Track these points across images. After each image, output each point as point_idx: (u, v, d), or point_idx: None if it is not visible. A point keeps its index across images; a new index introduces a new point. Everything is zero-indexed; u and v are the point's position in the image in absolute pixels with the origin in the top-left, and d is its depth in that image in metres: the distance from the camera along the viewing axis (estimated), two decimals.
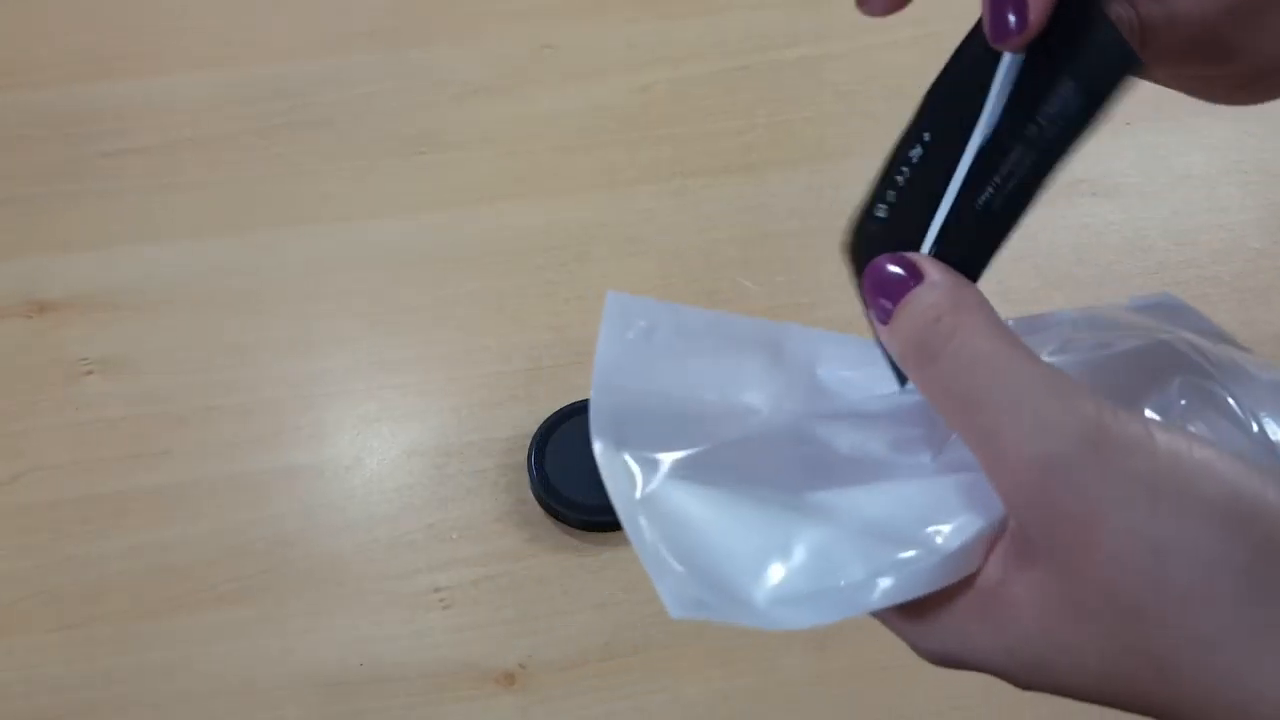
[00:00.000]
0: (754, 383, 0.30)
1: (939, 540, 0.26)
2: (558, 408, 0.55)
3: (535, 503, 0.54)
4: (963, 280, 0.27)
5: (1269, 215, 0.65)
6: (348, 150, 0.68)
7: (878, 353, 0.29)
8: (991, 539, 0.26)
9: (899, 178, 0.32)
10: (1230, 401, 0.29)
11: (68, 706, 0.49)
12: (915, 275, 0.27)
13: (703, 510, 0.28)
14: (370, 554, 0.53)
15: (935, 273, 0.27)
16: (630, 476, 0.28)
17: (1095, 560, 0.23)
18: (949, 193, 0.29)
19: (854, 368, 0.31)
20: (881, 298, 0.27)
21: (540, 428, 0.55)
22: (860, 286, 0.28)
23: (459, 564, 0.52)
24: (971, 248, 0.28)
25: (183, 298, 0.61)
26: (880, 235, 0.31)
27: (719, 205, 0.65)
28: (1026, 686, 0.26)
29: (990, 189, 0.28)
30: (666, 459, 0.28)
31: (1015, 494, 0.24)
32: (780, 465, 0.29)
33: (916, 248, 0.29)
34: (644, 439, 0.29)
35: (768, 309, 0.60)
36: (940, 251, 0.29)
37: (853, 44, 0.73)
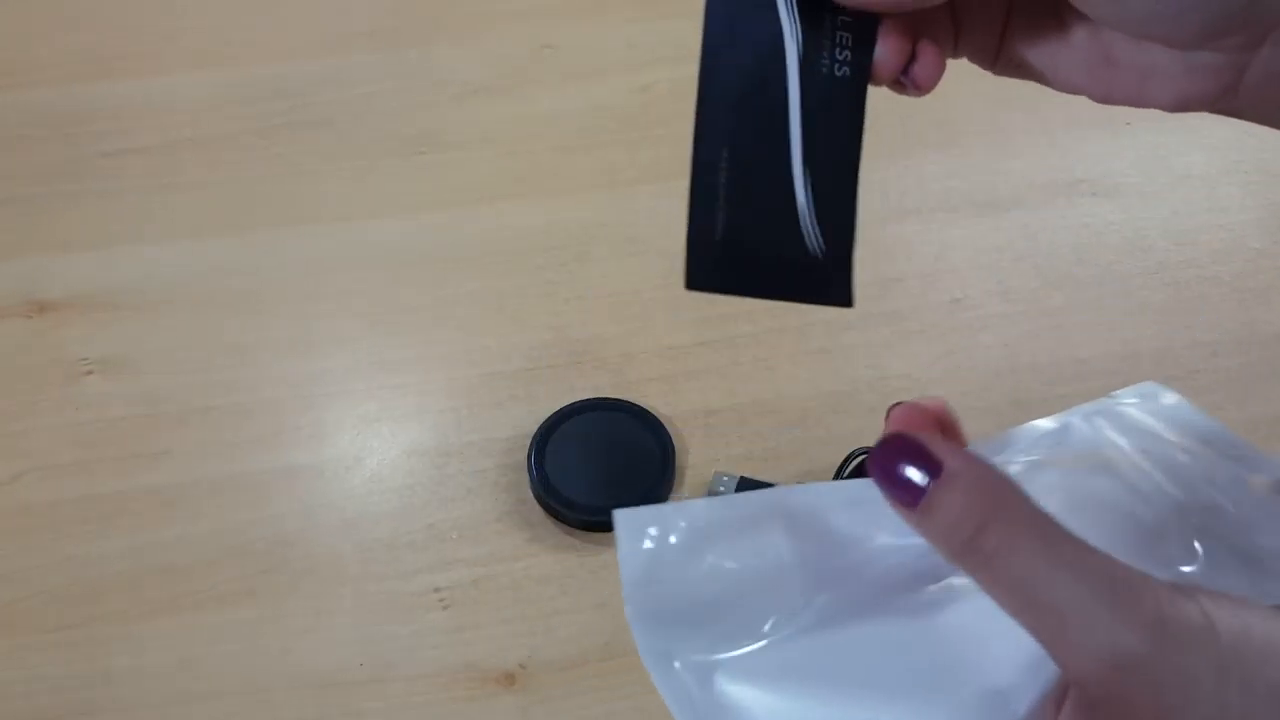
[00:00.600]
0: (776, 557, 0.30)
1: (1007, 708, 0.26)
2: (558, 408, 0.55)
3: (535, 503, 0.54)
4: (989, 469, 0.25)
5: (1269, 215, 0.65)
6: (348, 150, 0.68)
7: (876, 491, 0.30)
8: (1057, 698, 0.26)
9: (720, 188, 0.31)
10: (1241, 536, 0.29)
11: (68, 706, 0.49)
12: (934, 468, 0.25)
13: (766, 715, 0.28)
14: (370, 554, 0.53)
15: (957, 464, 0.25)
16: (687, 690, 0.28)
17: None
18: (795, 171, 0.29)
19: (861, 505, 0.30)
20: (902, 499, 0.25)
21: (540, 428, 0.55)
22: (873, 473, 0.26)
23: (459, 564, 0.52)
24: (841, 206, 0.29)
25: (183, 297, 0.61)
26: (741, 243, 0.30)
27: None
28: None
29: (823, 145, 0.29)
30: (717, 662, 0.28)
31: (1084, 680, 0.25)
32: (828, 651, 0.29)
33: (787, 235, 0.29)
34: (689, 643, 0.29)
35: (767, 309, 0.60)
36: (821, 222, 0.29)
37: None
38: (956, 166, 0.66)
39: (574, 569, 0.52)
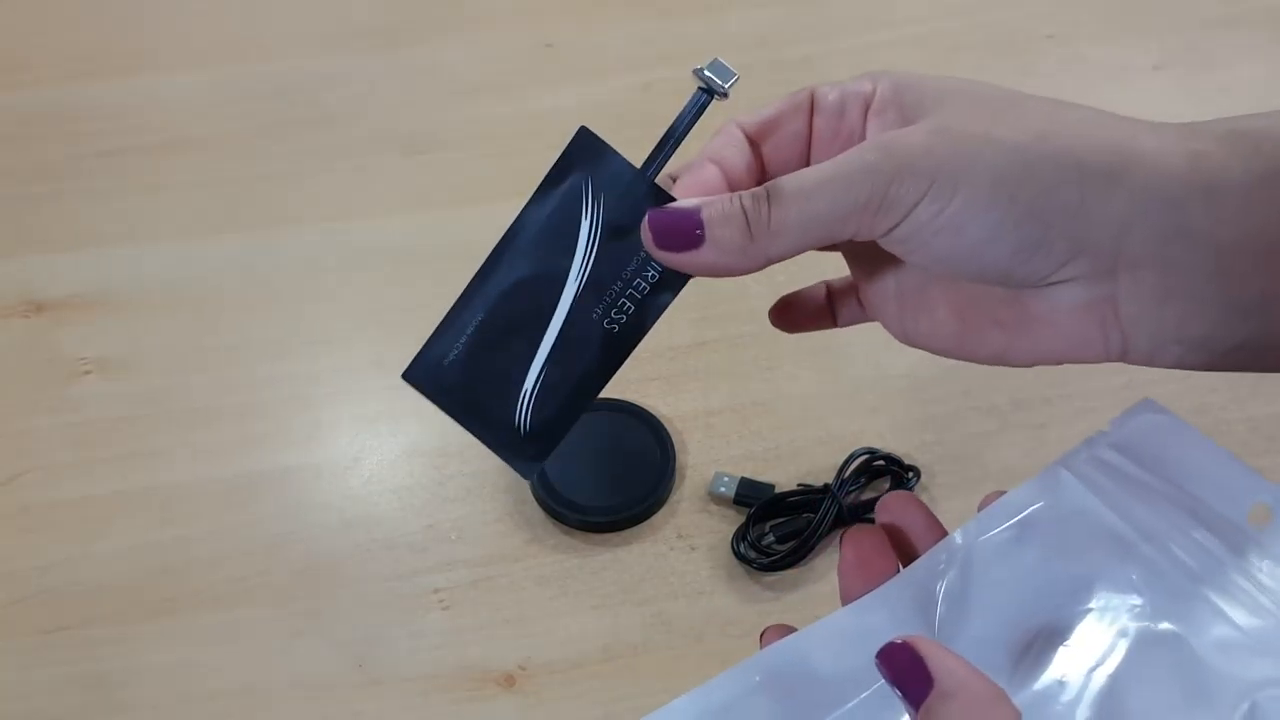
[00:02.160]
0: None
1: None
2: None
3: (535, 504, 0.54)
4: (983, 689, 0.26)
5: None
6: (347, 150, 0.68)
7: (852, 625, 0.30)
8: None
9: (468, 331, 0.36)
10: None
11: (68, 707, 0.49)
12: (925, 678, 0.26)
13: None
14: (370, 555, 0.53)
15: (953, 684, 0.26)
16: None
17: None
18: (535, 361, 0.34)
19: (844, 638, 0.30)
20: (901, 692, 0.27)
21: None
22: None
23: (459, 565, 0.52)
24: (559, 417, 0.34)
25: (181, 298, 0.61)
26: (462, 377, 0.35)
27: None
28: None
29: (567, 364, 0.34)
30: None
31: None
32: None
33: (503, 399, 0.34)
34: None
35: (768, 309, 0.60)
36: (534, 412, 0.34)
37: (855, 42, 0.73)
38: None
39: (574, 570, 0.52)
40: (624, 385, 0.57)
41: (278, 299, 0.61)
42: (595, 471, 0.54)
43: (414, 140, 0.68)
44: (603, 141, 0.36)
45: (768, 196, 0.31)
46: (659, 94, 0.70)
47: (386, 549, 0.53)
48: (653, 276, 0.34)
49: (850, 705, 0.30)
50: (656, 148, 0.36)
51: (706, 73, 0.35)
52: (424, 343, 0.36)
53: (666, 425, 0.55)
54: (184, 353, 0.59)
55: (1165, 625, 0.30)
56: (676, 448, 0.54)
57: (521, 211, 0.36)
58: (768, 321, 0.60)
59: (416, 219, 0.64)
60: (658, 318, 0.34)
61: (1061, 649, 0.30)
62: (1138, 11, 0.74)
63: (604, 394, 0.56)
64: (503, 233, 0.36)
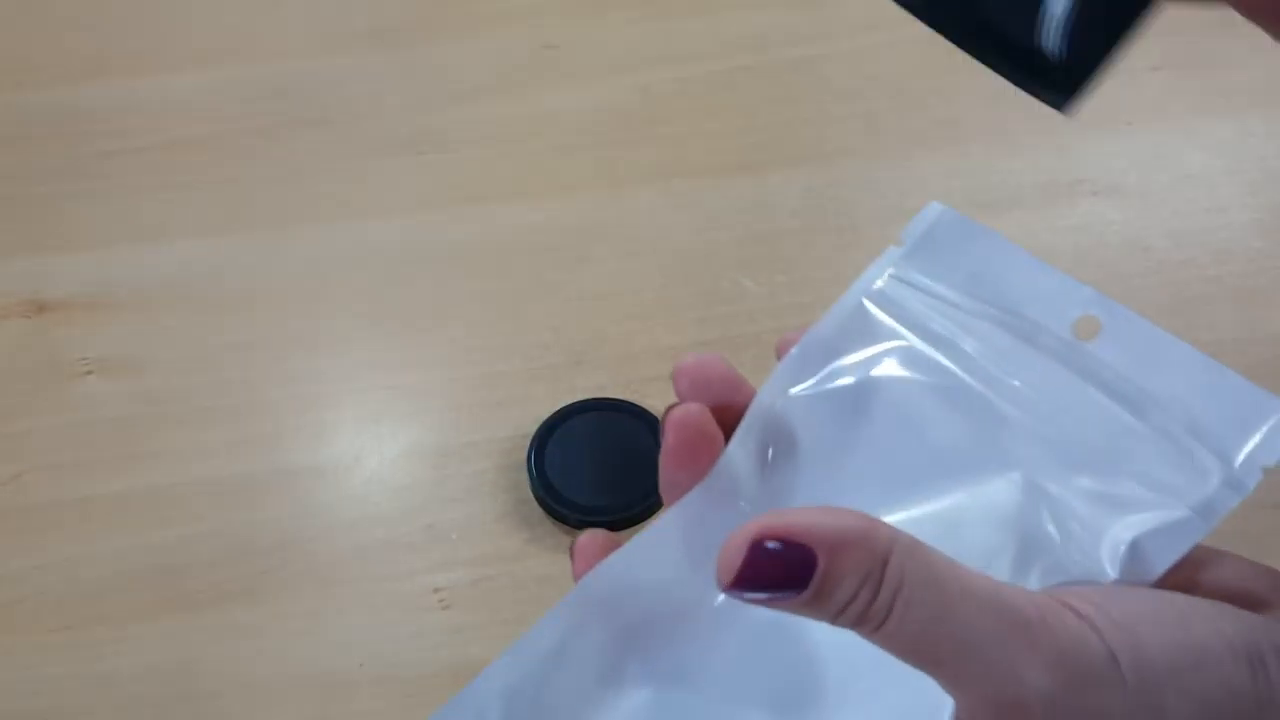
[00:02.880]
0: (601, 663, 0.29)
1: None
2: (558, 408, 0.55)
3: (535, 503, 0.54)
4: (859, 525, 0.24)
5: (1269, 215, 0.65)
6: (348, 150, 0.68)
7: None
8: None
9: None
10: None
11: (68, 706, 0.49)
12: (809, 554, 0.23)
13: None
14: (370, 554, 0.53)
15: (831, 537, 0.23)
16: None
17: None
18: None
19: (670, 562, 0.29)
20: (784, 598, 0.24)
21: (540, 428, 0.55)
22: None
23: (459, 564, 0.52)
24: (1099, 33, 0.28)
25: (183, 297, 0.61)
26: None
27: (719, 205, 0.65)
28: None
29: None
30: None
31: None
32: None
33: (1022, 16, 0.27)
34: None
35: (768, 309, 0.60)
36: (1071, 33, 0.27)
37: (853, 44, 0.73)
38: (956, 166, 0.66)
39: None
40: (624, 385, 0.58)
41: (279, 299, 0.61)
42: (595, 471, 0.54)
43: (415, 141, 0.68)
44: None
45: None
46: (659, 95, 0.70)
47: (387, 549, 0.53)
48: None
49: (692, 612, 0.28)
50: None
51: None
52: None
53: None
54: (185, 353, 0.59)
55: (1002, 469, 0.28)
56: None
57: None
58: (768, 321, 0.61)
59: (418, 219, 0.65)
60: None
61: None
62: None
63: (603, 394, 0.57)
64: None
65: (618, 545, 0.30)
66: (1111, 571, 0.26)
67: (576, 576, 0.30)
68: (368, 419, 0.57)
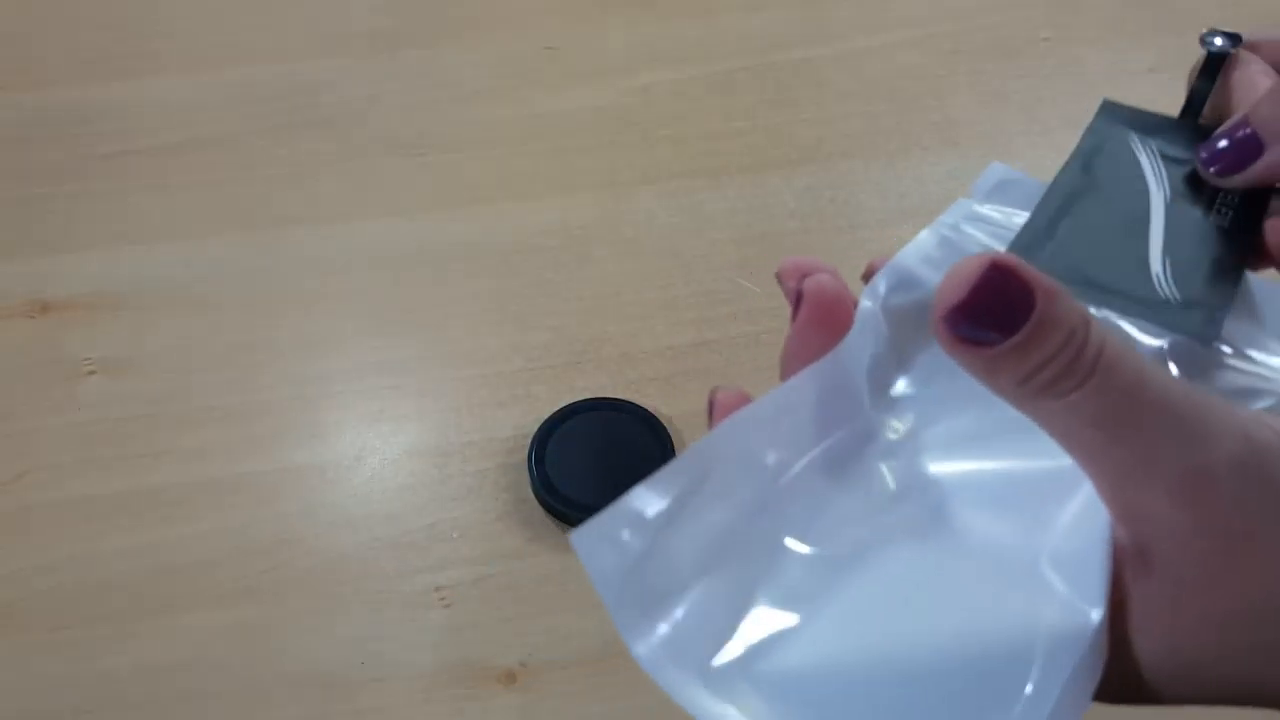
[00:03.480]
0: (738, 505, 0.28)
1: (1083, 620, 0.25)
2: (558, 408, 0.56)
3: (535, 502, 0.54)
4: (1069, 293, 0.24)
5: None
6: (348, 150, 0.68)
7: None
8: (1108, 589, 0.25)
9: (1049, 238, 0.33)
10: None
11: (67, 707, 0.49)
12: (1025, 290, 0.23)
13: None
14: (371, 553, 0.53)
15: (1050, 282, 0.23)
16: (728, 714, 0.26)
17: (1244, 572, 0.24)
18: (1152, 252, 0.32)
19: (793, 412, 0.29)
20: (990, 326, 0.23)
21: (540, 428, 0.55)
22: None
23: (459, 563, 0.52)
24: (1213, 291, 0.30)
25: (184, 298, 0.61)
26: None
27: (719, 205, 0.65)
28: (1142, 703, 0.25)
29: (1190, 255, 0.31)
30: (747, 661, 0.26)
31: (1155, 511, 0.24)
32: (854, 605, 0.27)
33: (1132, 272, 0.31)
34: (705, 647, 0.27)
35: (767, 309, 0.60)
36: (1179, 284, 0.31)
37: (853, 45, 0.73)
38: (955, 167, 0.66)
39: (574, 569, 0.52)
40: (624, 385, 0.58)
41: (281, 300, 0.61)
42: (595, 471, 0.54)
43: (416, 142, 0.68)
44: (1130, 107, 0.36)
45: None
46: (658, 96, 0.70)
47: (388, 548, 0.53)
48: (1233, 200, 0.33)
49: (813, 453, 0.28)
50: (1182, 115, 0.36)
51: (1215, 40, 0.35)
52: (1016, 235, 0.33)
53: (666, 425, 0.55)
54: (187, 353, 0.59)
55: None
56: (676, 448, 0.55)
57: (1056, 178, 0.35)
58: (768, 321, 0.61)
59: (418, 220, 0.65)
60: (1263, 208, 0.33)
61: None
62: (1134, 14, 0.74)
63: (603, 394, 0.57)
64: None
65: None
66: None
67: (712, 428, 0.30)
68: (368, 419, 0.57)
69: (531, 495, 0.54)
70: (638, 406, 0.56)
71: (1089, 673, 0.24)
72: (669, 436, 0.55)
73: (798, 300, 0.30)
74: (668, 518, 0.27)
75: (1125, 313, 0.29)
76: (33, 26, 0.74)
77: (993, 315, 0.23)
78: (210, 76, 0.71)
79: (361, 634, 0.51)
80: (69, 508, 0.54)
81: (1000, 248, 0.32)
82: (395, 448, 0.56)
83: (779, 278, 0.31)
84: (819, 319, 0.30)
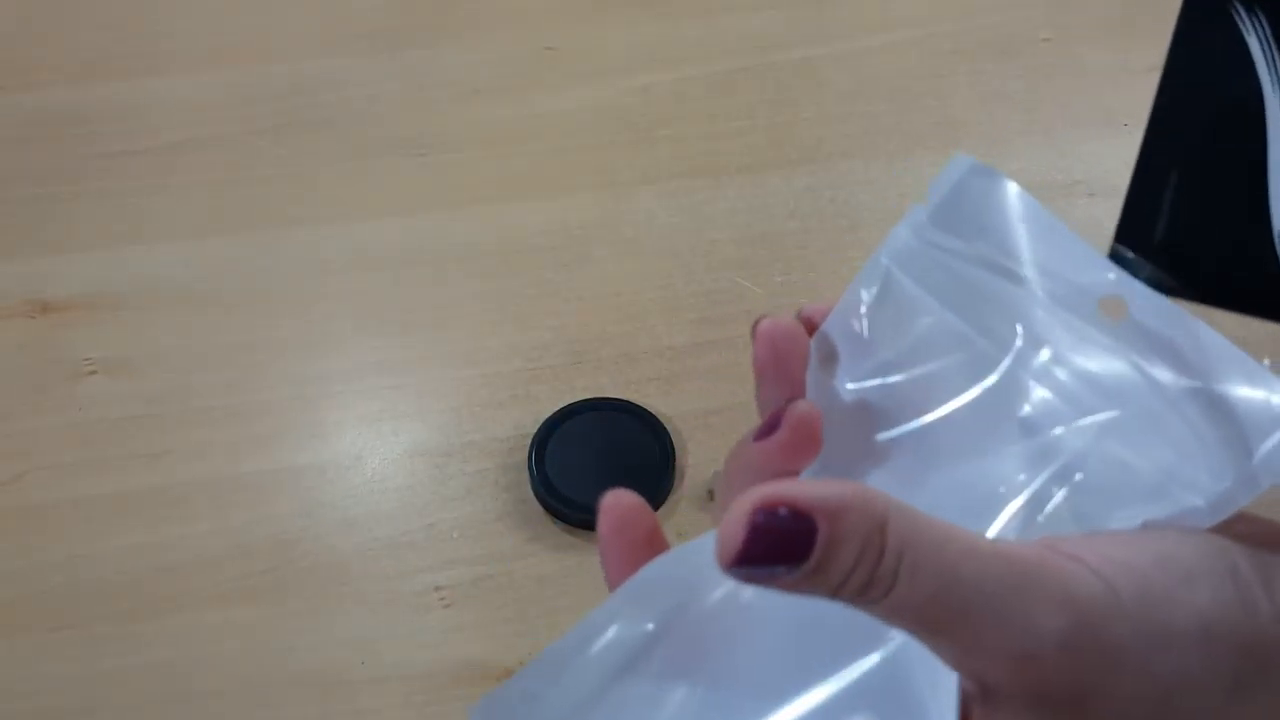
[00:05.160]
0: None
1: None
2: (558, 408, 0.56)
3: (536, 502, 0.54)
4: (857, 496, 0.23)
5: None
6: (348, 150, 0.68)
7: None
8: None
9: (1164, 204, 0.30)
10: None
11: (68, 706, 0.49)
12: (809, 525, 0.23)
13: None
14: (371, 553, 0.53)
15: (831, 507, 0.23)
16: None
17: (1117, 704, 0.24)
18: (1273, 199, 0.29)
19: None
20: (781, 573, 0.23)
21: (540, 428, 0.55)
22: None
23: (459, 563, 0.52)
24: None
25: (184, 298, 0.61)
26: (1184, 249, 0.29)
27: (719, 205, 0.65)
28: None
29: None
30: None
31: (1000, 681, 0.24)
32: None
33: (1253, 247, 0.28)
34: None
35: (767, 309, 0.60)
36: None
37: (852, 45, 0.73)
38: None
39: (574, 569, 0.52)
40: (624, 385, 0.58)
41: (281, 299, 0.61)
42: (595, 471, 0.54)
43: (415, 142, 0.68)
44: None
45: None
46: (658, 96, 0.70)
47: (388, 548, 0.53)
48: None
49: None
50: None
51: None
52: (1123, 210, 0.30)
53: (666, 425, 0.55)
54: (188, 353, 0.59)
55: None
56: (676, 448, 0.55)
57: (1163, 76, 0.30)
58: None
59: (418, 220, 0.65)
60: None
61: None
62: (1134, 14, 0.74)
63: (603, 394, 0.57)
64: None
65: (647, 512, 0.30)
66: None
67: (602, 540, 0.30)
68: (368, 419, 0.57)
69: (531, 495, 0.54)
70: (638, 406, 0.56)
71: None
72: (669, 436, 0.55)
73: (775, 419, 0.29)
74: (559, 679, 0.28)
75: (1255, 314, 0.28)
76: (33, 26, 0.74)
77: (775, 554, 0.23)
78: (210, 76, 0.71)
79: (361, 634, 0.51)
80: (69, 508, 0.54)
81: (935, 303, 0.30)
82: (395, 448, 0.56)
83: (753, 334, 0.31)
84: (800, 446, 0.29)
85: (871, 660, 0.27)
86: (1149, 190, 0.30)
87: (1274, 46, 0.29)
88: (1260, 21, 0.29)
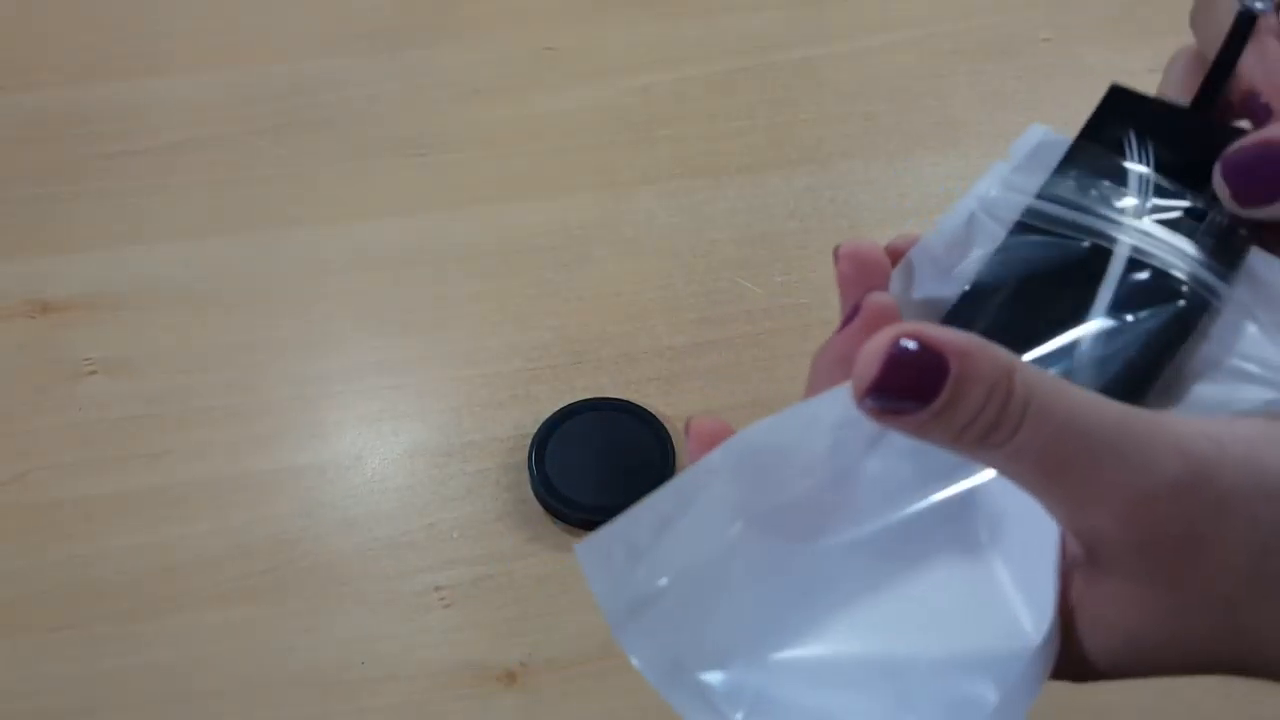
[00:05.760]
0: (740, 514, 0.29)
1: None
2: (558, 408, 0.56)
3: (535, 502, 0.54)
4: (982, 341, 0.24)
5: None
6: (348, 150, 0.68)
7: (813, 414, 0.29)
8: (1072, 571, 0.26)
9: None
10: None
11: (68, 706, 0.49)
12: (940, 361, 0.23)
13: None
14: (371, 553, 0.53)
15: (960, 346, 0.23)
16: (709, 704, 0.28)
17: (1200, 569, 0.24)
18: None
19: (817, 424, 0.30)
20: (909, 408, 0.23)
21: (540, 428, 0.55)
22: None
23: (459, 563, 0.52)
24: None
25: (184, 298, 0.61)
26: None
27: (719, 205, 0.65)
28: (1090, 680, 0.27)
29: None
30: (727, 669, 0.28)
31: (1105, 530, 0.25)
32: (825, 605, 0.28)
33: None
34: (695, 651, 0.28)
35: (767, 309, 0.61)
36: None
37: (852, 45, 0.73)
38: (956, 166, 0.66)
39: (574, 568, 0.52)
40: (624, 385, 0.58)
41: (281, 299, 0.61)
42: (595, 470, 0.54)
43: (415, 142, 0.68)
44: (1138, 95, 0.31)
45: None
46: (658, 96, 0.70)
47: (388, 547, 0.53)
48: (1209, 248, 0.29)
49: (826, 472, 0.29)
50: (1206, 83, 0.31)
51: None
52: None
53: (666, 425, 0.55)
54: (188, 353, 0.59)
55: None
56: (676, 448, 0.55)
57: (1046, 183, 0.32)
58: (768, 321, 0.61)
59: (418, 220, 0.65)
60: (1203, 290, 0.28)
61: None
62: (1134, 14, 0.74)
63: (603, 394, 0.57)
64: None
65: (731, 431, 0.31)
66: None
67: (692, 458, 0.30)
68: (368, 419, 0.57)
69: (531, 495, 0.54)
70: (638, 406, 0.56)
71: (1043, 666, 0.26)
72: (669, 436, 0.55)
73: (855, 309, 0.31)
74: (665, 531, 0.29)
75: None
76: (33, 26, 0.74)
77: (908, 387, 0.23)
78: (210, 76, 0.71)
79: (361, 634, 0.51)
80: (69, 508, 0.54)
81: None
82: (395, 448, 0.56)
83: (836, 256, 0.32)
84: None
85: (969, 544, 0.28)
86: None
87: (1150, 186, 0.30)
88: (1147, 153, 0.31)
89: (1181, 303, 0.29)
